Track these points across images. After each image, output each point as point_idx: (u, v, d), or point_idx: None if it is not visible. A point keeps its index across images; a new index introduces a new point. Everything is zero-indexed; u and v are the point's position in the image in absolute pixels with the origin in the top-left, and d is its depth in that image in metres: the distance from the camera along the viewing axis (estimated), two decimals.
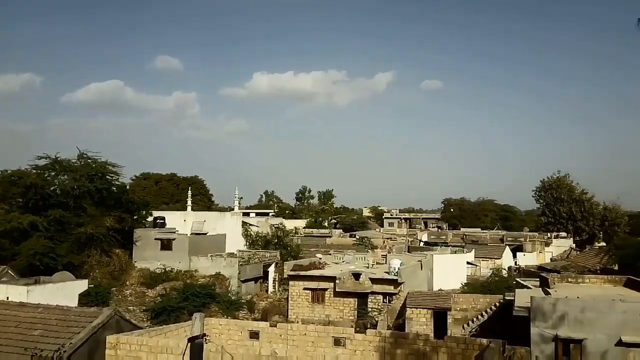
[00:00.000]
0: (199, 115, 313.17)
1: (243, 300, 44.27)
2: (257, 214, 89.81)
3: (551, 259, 66.77)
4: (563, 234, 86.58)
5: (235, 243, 57.66)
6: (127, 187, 60.75)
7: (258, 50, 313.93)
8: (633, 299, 25.07)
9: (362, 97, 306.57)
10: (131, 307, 41.49)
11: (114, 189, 50.99)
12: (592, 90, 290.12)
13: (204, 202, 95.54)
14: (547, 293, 27.15)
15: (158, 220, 55.25)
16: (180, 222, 59.39)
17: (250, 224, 69.00)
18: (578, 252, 67.57)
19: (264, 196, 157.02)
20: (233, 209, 71.83)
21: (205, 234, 57.46)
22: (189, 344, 13.78)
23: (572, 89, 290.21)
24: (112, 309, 25.68)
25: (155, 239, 49.98)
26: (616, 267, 39.93)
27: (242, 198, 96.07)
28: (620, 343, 21.76)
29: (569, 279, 32.27)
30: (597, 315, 22.85)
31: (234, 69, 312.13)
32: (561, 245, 77.30)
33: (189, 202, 65.60)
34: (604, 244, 63.95)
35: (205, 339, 13.93)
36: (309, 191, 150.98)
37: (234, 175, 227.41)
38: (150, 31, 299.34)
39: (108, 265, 46.55)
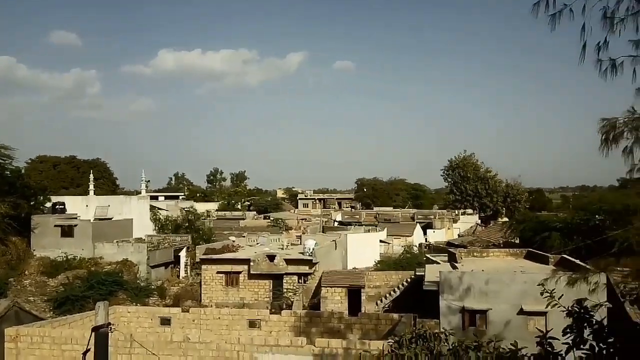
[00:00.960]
0: (100, 94, 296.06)
1: (153, 287, 42.92)
2: (167, 198, 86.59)
3: (459, 235, 69.78)
4: (469, 210, 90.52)
5: (144, 228, 55.39)
6: (22, 171, 56.71)
7: (163, 26, 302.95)
8: (532, 270, 26.47)
9: (274, 77, 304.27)
10: (32, 298, 39.24)
11: (8, 173, 47.31)
12: (495, 72, 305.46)
13: (108, 186, 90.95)
14: (454, 267, 28.14)
15: (58, 206, 52.19)
16: (82, 207, 56.08)
17: (159, 208, 66.49)
18: (483, 227, 71.03)
19: (173, 179, 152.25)
20: (140, 193, 68.92)
21: (110, 219, 54.60)
22: (93, 333, 12.83)
23: (477, 71, 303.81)
24: (10, 300, 23.80)
25: (55, 225, 46.91)
26: (517, 241, 42.15)
27: (149, 181, 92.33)
28: (521, 312, 22.92)
29: (475, 254, 33.69)
30: (500, 287, 23.94)
31: (137, 46, 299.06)
32: (468, 221, 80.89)
33: (91, 187, 61.95)
34: (507, 219, 67.43)
35: (111, 327, 13.01)
36: (221, 173, 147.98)
37: (140, 158, 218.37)
38: (43, 3, 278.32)
39: (4, 254, 43.36)
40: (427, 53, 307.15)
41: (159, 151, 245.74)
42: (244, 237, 53.52)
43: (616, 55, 8.27)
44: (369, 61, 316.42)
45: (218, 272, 42.05)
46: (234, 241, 48.64)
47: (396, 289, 36.78)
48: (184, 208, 69.31)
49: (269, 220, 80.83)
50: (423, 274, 31.29)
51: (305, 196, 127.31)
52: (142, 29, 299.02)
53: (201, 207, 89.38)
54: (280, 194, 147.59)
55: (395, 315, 28.35)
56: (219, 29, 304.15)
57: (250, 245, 48.83)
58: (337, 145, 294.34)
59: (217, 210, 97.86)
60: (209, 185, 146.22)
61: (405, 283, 36.63)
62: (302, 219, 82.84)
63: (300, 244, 45.88)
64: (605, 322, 6.53)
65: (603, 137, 7.97)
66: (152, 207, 63.01)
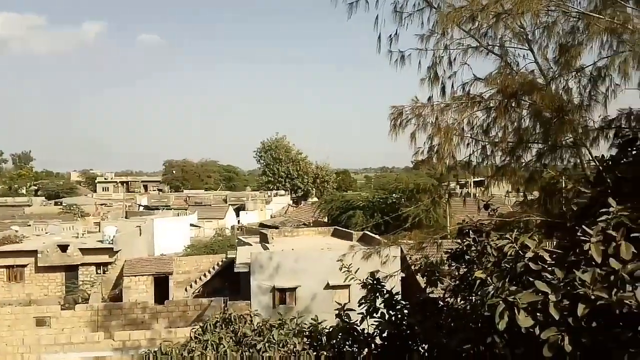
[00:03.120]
0: None
1: None
2: None
3: (271, 216, 71.38)
4: (282, 192, 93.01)
5: None
6: None
7: None
8: (338, 246, 28.20)
9: (67, 46, 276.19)
10: None
11: None
12: (302, 58, 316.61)
13: None
14: (265, 248, 28.75)
15: None
16: None
17: None
18: (295, 208, 73.56)
19: None
20: None
21: None
22: None
23: (286, 56, 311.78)
24: None
25: None
26: (326, 220, 44.50)
27: None
28: (328, 286, 24.34)
29: (286, 234, 34.87)
30: (308, 264, 25.11)
31: None
32: (280, 202, 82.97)
33: None
34: (316, 199, 70.61)
35: None
36: (1, 154, 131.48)
37: None
38: None
39: None
40: (237, 32, 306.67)
41: None
42: (29, 225, 48.32)
43: (406, 48, 9.07)
44: (177, 36, 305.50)
45: None
46: (17, 231, 43.49)
47: (207, 273, 36.46)
48: None
49: (61, 207, 74.15)
50: (235, 256, 31.47)
51: (105, 179, 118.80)
52: None
53: None
54: (74, 177, 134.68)
55: (205, 300, 28.16)
56: None
57: (38, 235, 44.18)
58: (143, 125, 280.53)
59: None
60: None
61: (216, 267, 36.50)
62: (102, 205, 77.59)
63: (100, 231, 42.93)
64: (397, 290, 7.17)
65: (392, 123, 8.72)
66: None
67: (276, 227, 45.33)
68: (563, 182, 7.78)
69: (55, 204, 79.88)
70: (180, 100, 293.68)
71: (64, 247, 38.01)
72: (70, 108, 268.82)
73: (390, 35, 8.94)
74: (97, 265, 38.15)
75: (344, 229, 33.63)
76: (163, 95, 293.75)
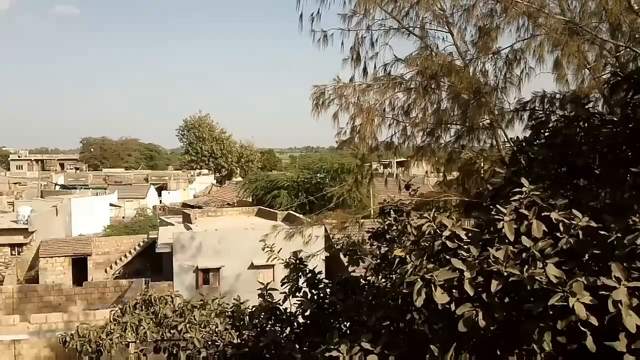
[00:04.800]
0: None
1: None
2: None
3: (194, 196, 69.96)
4: (205, 171, 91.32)
5: None
6: None
7: None
8: (262, 226, 28.07)
9: None
10: None
11: None
12: (228, 36, 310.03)
13: None
14: (188, 228, 28.20)
15: None
16: None
17: None
18: (219, 187, 72.46)
19: None
20: None
21: None
22: None
23: (212, 33, 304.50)
24: None
25: None
26: (251, 200, 44.08)
27: None
28: (252, 266, 24.23)
29: (210, 213, 34.28)
30: (232, 244, 24.87)
31: None
32: (204, 182, 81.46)
33: None
34: (241, 179, 69.84)
35: None
36: None
37: None
38: None
39: None
40: (158, 5, 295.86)
41: None
42: None
43: (328, 28, 8.98)
44: (95, 7, 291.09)
45: None
46: None
47: (127, 254, 35.36)
48: None
49: None
50: (157, 236, 30.68)
51: (19, 157, 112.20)
52: None
53: None
54: None
55: (125, 282, 27.39)
56: None
57: None
58: (59, 101, 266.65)
59: None
60: None
61: (137, 247, 35.45)
62: (15, 183, 73.36)
63: (13, 211, 40.69)
64: (321, 269, 7.18)
65: (314, 103, 8.65)
66: None
67: (199, 207, 44.51)
68: (481, 163, 8.03)
69: None
70: (100, 77, 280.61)
71: None
72: None
73: (312, 14, 8.82)
74: (12, 246, 36.22)
75: (268, 209, 33.48)
76: (80, 71, 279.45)
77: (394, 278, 6.28)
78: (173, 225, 31.78)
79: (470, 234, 4.52)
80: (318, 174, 39.52)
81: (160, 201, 69.03)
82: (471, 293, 4.02)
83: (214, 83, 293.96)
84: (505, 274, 3.87)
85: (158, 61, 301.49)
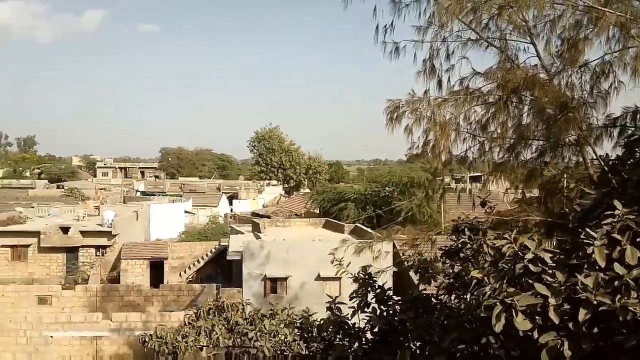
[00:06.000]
0: None
1: None
2: None
3: (263, 206, 71.24)
4: (274, 182, 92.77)
5: None
6: None
7: None
8: (329, 238, 28.11)
9: (69, 35, 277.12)
10: None
11: None
12: (294, 48, 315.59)
13: None
14: (258, 237, 28.64)
15: None
16: None
17: None
18: (287, 198, 73.46)
19: None
20: None
21: None
22: None
23: (277, 46, 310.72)
24: None
25: None
26: (318, 211, 44.30)
27: None
28: (319, 277, 24.23)
29: (278, 223, 34.73)
30: (299, 255, 24.98)
31: None
32: (272, 192, 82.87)
33: None
34: (309, 190, 70.46)
35: None
36: (6, 137, 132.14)
37: None
38: None
39: None
40: (238, 21, 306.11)
41: None
42: (33, 207, 48.47)
43: (402, 39, 8.85)
44: (175, 25, 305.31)
45: (2, 246, 38.25)
46: (21, 212, 43.81)
47: (200, 259, 36.45)
48: None
49: (62, 190, 74.23)
50: (228, 244, 31.39)
51: (104, 164, 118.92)
52: None
53: None
54: (76, 161, 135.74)
55: (198, 286, 28.12)
56: None
57: (41, 217, 44.54)
58: (141, 112, 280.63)
59: (1, 179, 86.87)
60: None
61: (209, 253, 36.46)
62: (101, 189, 77.53)
63: (99, 215, 43.08)
64: (389, 285, 7.03)
65: (388, 117, 8.52)
66: None
67: (268, 217, 45.22)
68: (565, 181, 7.61)
69: (57, 187, 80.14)
70: (178, 88, 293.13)
71: (65, 229, 38.46)
72: (73, 94, 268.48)
73: (386, 26, 8.71)
74: (97, 247, 38.47)
75: (335, 221, 33.46)
76: (161, 83, 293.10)
77: (468, 299, 6.04)
78: (243, 233, 32.45)
79: (555, 258, 4.26)
80: (386, 187, 39.10)
81: (231, 210, 70.74)
82: (556, 321, 3.78)
83: (286, 95, 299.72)
84: (595, 302, 3.61)
85: (232, 75, 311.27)
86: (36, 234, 38.16)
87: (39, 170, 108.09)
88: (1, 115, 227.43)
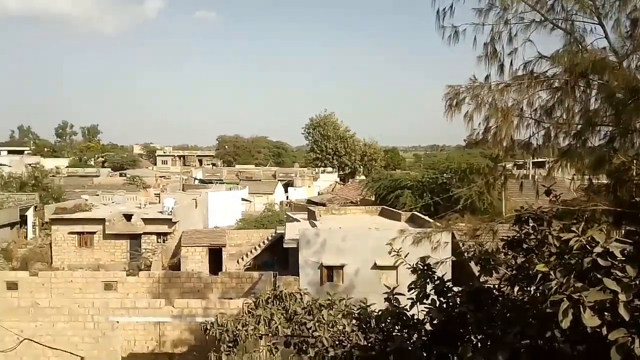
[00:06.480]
0: None
1: None
2: (10, 152, 78.89)
3: (319, 193, 71.60)
4: (329, 169, 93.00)
5: None
6: None
7: None
8: (385, 226, 27.99)
9: (131, 24, 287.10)
10: None
11: None
12: (352, 35, 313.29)
13: None
14: (313, 225, 28.84)
15: None
16: None
17: (1, 164, 60.35)
18: (342, 185, 73.45)
19: (17, 132, 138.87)
20: None
21: None
22: None
23: (336, 33, 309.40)
24: None
25: None
26: (373, 198, 44.07)
27: None
28: (375, 266, 24.18)
29: (334, 211, 34.82)
30: (355, 243, 24.99)
31: None
32: (327, 179, 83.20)
33: None
34: (364, 177, 70.16)
35: None
36: (71, 127, 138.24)
37: None
38: None
39: None
40: (293, 11, 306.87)
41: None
42: (97, 195, 50.51)
43: (461, 23, 8.60)
44: (232, 12, 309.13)
45: (70, 233, 39.81)
46: (86, 200, 45.72)
47: (257, 247, 37.05)
48: (29, 164, 63.52)
49: (125, 178, 76.91)
50: (284, 231, 31.78)
51: (164, 153, 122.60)
52: None
53: (49, 163, 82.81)
54: (137, 150, 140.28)
55: (256, 274, 28.63)
56: None
57: (105, 204, 46.27)
58: (198, 100, 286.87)
59: (67, 167, 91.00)
60: (58, 139, 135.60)
61: (266, 241, 37.02)
62: (161, 177, 79.89)
63: (159, 202, 44.40)
64: (448, 276, 6.94)
65: (447, 104, 8.33)
66: None
67: (323, 205, 45.40)
68: (635, 169, 7.24)
69: (120, 175, 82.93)
70: (234, 76, 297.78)
71: (128, 217, 39.62)
72: (133, 84, 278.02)
73: (444, 9, 8.48)
74: (158, 234, 39.61)
75: (391, 209, 33.22)
76: (217, 71, 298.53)
77: (532, 292, 5.88)
78: (299, 221, 32.77)
79: (625, 252, 4.08)
80: (444, 174, 38.35)
81: (287, 197, 71.47)
82: (626, 318, 3.63)
83: (343, 81, 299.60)
84: None
85: (286, 62, 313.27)
86: (101, 221, 39.51)
87: (103, 159, 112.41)
88: (67, 104, 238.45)
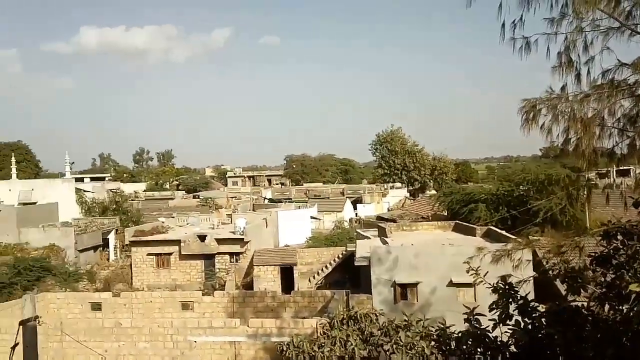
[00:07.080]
0: (21, 74, 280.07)
1: (82, 271, 41.62)
2: (92, 179, 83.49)
3: (388, 209, 70.95)
4: (398, 184, 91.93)
5: (70, 211, 53.48)
6: None
7: (85, 1, 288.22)
8: (460, 242, 27.27)
9: (200, 53, 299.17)
10: None
11: None
12: (416, 48, 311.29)
13: (31, 169, 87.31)
14: (384, 242, 28.52)
15: None
16: (5, 192, 53.83)
17: (85, 190, 64.04)
18: (412, 200, 72.45)
19: (98, 160, 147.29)
20: (64, 175, 66.00)
21: (35, 203, 52.50)
22: (21, 327, 12.32)
23: (399, 47, 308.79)
24: None
25: None
26: (446, 213, 43.08)
27: (73, 163, 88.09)
28: (451, 284, 23.47)
29: (405, 227, 34.33)
30: (429, 260, 24.41)
31: (57, 22, 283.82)
32: (397, 195, 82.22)
33: (14, 170, 59.10)
34: (435, 192, 68.84)
35: (39, 320, 12.57)
36: (147, 152, 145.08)
37: (62, 139, 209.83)
38: None
39: None
40: (352, 29, 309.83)
41: (82, 132, 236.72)
42: (173, 217, 52.47)
43: (531, 34, 8.33)
44: (295, 36, 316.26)
45: (148, 254, 41.50)
46: (163, 222, 47.59)
47: (328, 265, 37.07)
48: (110, 190, 67.05)
49: (198, 200, 79.49)
50: (354, 249, 31.64)
51: (234, 174, 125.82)
52: (62, 4, 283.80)
53: (128, 188, 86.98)
54: (208, 172, 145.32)
55: (328, 292, 28.61)
56: (142, 4, 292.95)
57: (180, 226, 48.00)
58: (266, 121, 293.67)
59: (144, 191, 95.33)
60: (136, 165, 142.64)
61: (337, 259, 36.99)
62: (232, 197, 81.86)
63: (231, 222, 45.45)
64: (531, 296, 6.66)
65: (524, 117, 8.05)
66: (77, 190, 60.85)
67: (394, 221, 44.90)
68: None
69: (193, 197, 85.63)
70: (300, 98, 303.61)
71: (202, 237, 40.70)
72: (203, 109, 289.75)
73: (514, 21, 8.22)
74: (231, 254, 40.52)
75: (465, 224, 32.29)
76: (282, 93, 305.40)
77: (625, 311, 5.54)
78: (369, 238, 32.51)
79: None
80: (520, 186, 36.93)
81: (356, 214, 71.22)
82: None
83: (406, 97, 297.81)
84: None
85: (351, 80, 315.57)
86: (177, 242, 40.89)
87: (177, 182, 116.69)
88: (145, 132, 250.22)
